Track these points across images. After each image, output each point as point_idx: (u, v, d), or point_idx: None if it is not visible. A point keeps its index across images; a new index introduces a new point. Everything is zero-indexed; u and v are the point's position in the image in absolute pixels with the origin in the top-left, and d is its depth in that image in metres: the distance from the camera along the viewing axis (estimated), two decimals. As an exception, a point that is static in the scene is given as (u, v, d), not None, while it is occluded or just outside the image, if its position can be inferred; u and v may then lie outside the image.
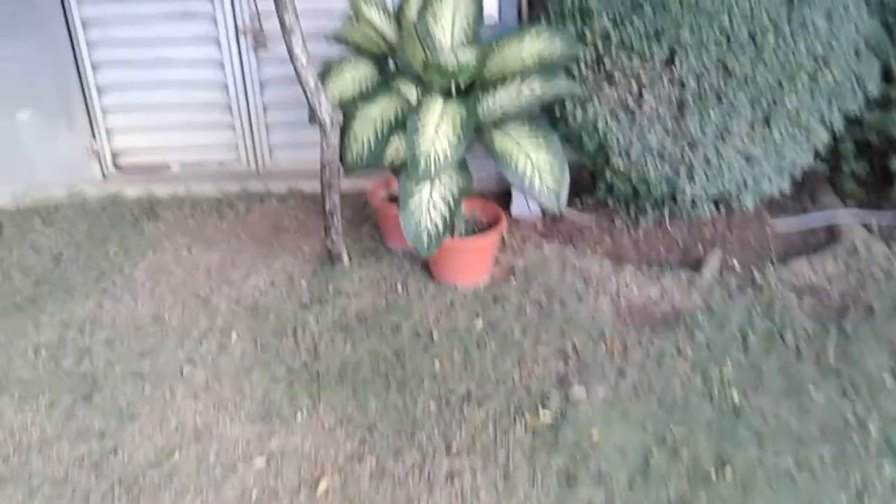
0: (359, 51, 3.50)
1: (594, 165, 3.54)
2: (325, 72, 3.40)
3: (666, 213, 3.66)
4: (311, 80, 2.99)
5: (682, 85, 3.16)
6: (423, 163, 2.83)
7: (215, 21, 4.14)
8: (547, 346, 2.98)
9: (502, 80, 3.08)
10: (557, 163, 2.95)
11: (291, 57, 2.94)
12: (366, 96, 3.21)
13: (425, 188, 2.95)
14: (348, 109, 3.17)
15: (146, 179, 4.52)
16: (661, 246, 3.63)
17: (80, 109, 4.39)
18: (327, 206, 3.40)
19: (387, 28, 3.46)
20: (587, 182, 3.94)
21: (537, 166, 2.92)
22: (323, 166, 3.27)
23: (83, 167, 4.50)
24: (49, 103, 4.26)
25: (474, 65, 2.94)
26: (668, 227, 3.71)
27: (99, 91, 4.36)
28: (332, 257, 3.59)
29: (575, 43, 3.12)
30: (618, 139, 3.27)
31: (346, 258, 3.60)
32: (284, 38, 2.90)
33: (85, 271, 3.69)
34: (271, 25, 4.09)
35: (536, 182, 2.92)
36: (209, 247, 3.90)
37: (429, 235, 2.93)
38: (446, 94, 3.08)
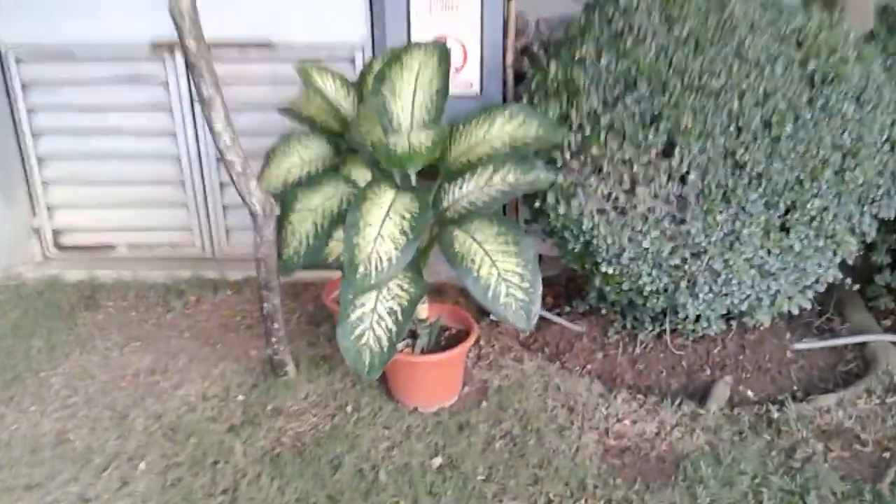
0: (313, 127, 3.04)
1: (581, 268, 3.02)
2: (272, 151, 2.93)
3: (667, 326, 3.11)
4: (237, 162, 2.51)
5: (683, 180, 2.64)
6: (361, 269, 2.32)
7: (167, 86, 3.71)
8: (514, 500, 2.42)
9: (469, 167, 2.59)
10: (529, 272, 2.43)
11: (213, 134, 2.47)
12: (309, 182, 2.73)
13: (368, 298, 2.43)
14: (288, 198, 2.68)
15: (90, 261, 4.06)
16: (661, 367, 3.08)
17: (19, 181, 3.96)
18: (265, 309, 2.89)
19: (343, 101, 3.00)
20: (581, 280, 3.42)
21: (504, 276, 2.41)
22: (258, 262, 2.77)
23: (21, 247, 4.05)
24: (-16, 175, 3.84)
25: (429, 148, 2.45)
26: (670, 343, 3.16)
27: (39, 161, 3.93)
28: (274, 367, 3.07)
29: (555, 127, 2.62)
30: (606, 241, 2.75)
31: (292, 368, 3.08)
32: (203, 112, 2.43)
33: (-1, 372, 3.21)
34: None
35: (502, 294, 2.40)
36: (145, 346, 3.40)
37: (371, 355, 2.41)
38: (404, 183, 2.60)
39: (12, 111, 3.80)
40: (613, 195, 2.71)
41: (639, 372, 3.07)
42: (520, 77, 3.74)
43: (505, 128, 2.61)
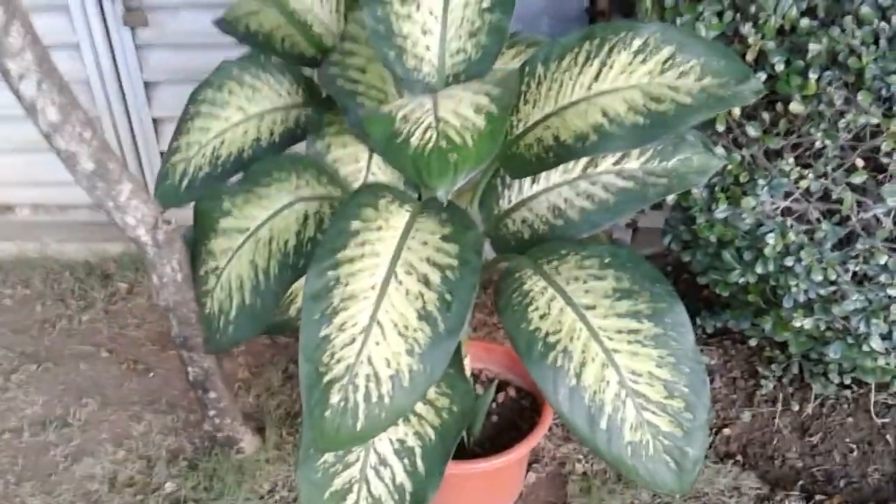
0: (269, 52, 1.72)
1: (745, 304, 1.74)
2: (192, 101, 1.63)
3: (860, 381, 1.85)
4: (80, 153, 1.22)
5: None
6: (335, 399, 1.09)
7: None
8: None
9: (559, 152, 1.28)
10: (685, 379, 1.19)
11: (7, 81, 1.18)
12: (250, 175, 1.44)
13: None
14: (206, 205, 1.41)
15: (-21, 228, 2.83)
16: (851, 442, 1.87)
17: None
18: (190, 375, 1.68)
19: (319, 4, 1.67)
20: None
21: (635, 388, 1.17)
22: (168, 312, 1.54)
23: None
24: None
25: (483, 138, 1.11)
26: (871, 404, 1.92)
27: None
28: (220, 446, 1.90)
29: (741, 70, 1.25)
30: (804, 278, 1.46)
31: (250, 440, 1.91)
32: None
33: None
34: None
35: (628, 425, 1.18)
36: (42, 374, 2.29)
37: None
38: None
39: None
40: (830, 193, 1.40)
41: (813, 450, 1.87)
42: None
43: (634, 73, 1.27)
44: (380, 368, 1.09)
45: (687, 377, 1.20)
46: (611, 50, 1.29)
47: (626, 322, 1.22)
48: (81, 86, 2.54)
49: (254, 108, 1.64)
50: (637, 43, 1.28)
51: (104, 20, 2.41)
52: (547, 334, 1.23)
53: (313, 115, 1.55)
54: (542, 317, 1.24)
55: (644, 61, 1.27)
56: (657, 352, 1.21)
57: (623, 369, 1.20)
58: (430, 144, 1.07)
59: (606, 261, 1.29)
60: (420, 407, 1.26)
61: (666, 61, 1.26)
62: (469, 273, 1.13)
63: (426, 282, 1.13)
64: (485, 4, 1.37)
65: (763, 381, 2.02)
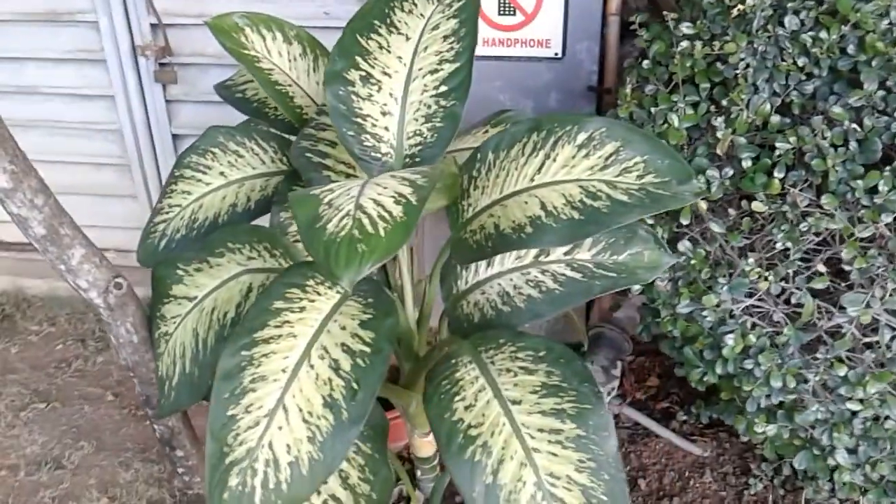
0: (260, 117, 1.78)
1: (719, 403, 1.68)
2: (179, 164, 1.69)
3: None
4: (31, 218, 1.27)
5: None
6: (234, 482, 1.09)
7: (98, 28, 2.49)
8: None
9: (497, 240, 1.27)
10: (603, 487, 1.15)
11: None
12: (212, 244, 1.47)
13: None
14: (161, 271, 1.44)
15: (14, 265, 2.95)
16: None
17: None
18: (157, 433, 1.71)
19: (303, 77, 1.71)
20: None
21: (552, 491, 1.14)
22: (129, 370, 1.57)
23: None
24: None
25: (395, 229, 1.09)
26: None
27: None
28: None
29: (683, 170, 1.21)
30: (770, 383, 1.39)
31: None
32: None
33: None
34: (183, 41, 2.43)
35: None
36: (49, 412, 2.37)
37: None
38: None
39: None
40: (794, 294, 1.34)
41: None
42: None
43: (575, 168, 1.25)
44: (280, 454, 1.09)
45: (606, 485, 1.16)
46: (556, 142, 1.28)
47: (549, 421, 1.19)
48: (115, 134, 2.66)
49: (235, 174, 1.68)
50: (582, 137, 1.27)
51: (139, 75, 2.52)
52: (469, 426, 1.20)
53: (283, 185, 1.59)
54: (467, 408, 1.22)
55: (587, 156, 1.26)
56: (577, 455, 1.17)
57: (542, 470, 1.17)
58: (344, 232, 1.07)
59: (541, 354, 1.26)
60: (340, 492, 1.25)
61: (609, 157, 1.24)
62: (379, 362, 1.13)
63: (337, 368, 1.13)
64: (440, 90, 1.38)
65: (751, 482, 1.92)
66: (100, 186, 2.78)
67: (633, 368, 2.35)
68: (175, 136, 2.62)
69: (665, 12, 1.56)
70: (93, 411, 2.36)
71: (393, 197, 1.12)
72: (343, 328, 1.17)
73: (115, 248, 2.85)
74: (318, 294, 1.22)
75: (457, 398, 1.24)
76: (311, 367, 1.14)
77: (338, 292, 1.23)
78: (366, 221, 1.08)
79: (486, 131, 1.75)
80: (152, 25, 2.41)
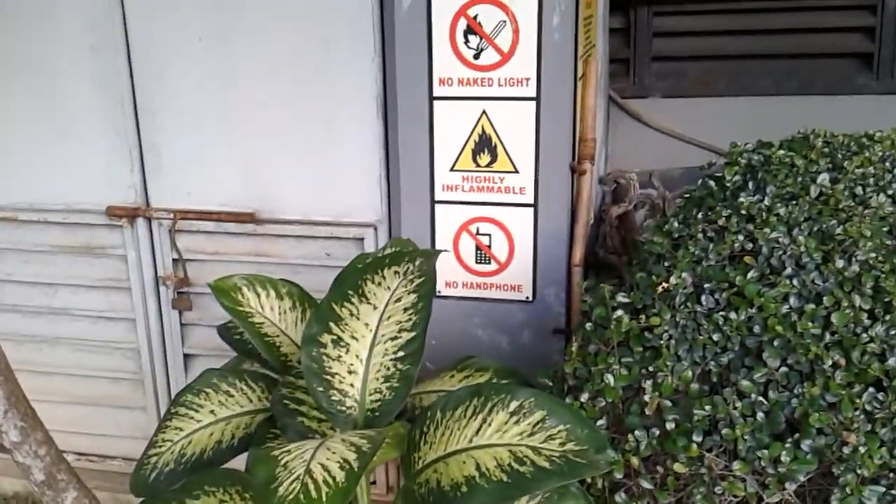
0: (253, 357, 2.00)
1: None
2: (176, 401, 1.90)
3: None
4: (21, 452, 1.47)
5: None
6: None
7: (126, 260, 2.79)
8: None
9: (437, 497, 1.43)
10: None
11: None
12: (190, 485, 1.65)
13: None
14: (145, 509, 1.62)
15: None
16: None
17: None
18: None
19: (293, 330, 1.94)
20: None
21: None
22: None
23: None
24: None
25: (342, 490, 1.28)
26: None
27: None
28: None
29: (598, 441, 1.40)
30: None
31: None
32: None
33: None
34: (199, 272, 2.71)
35: None
36: None
37: None
38: None
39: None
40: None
41: None
42: (609, 267, 2.62)
43: (507, 432, 1.44)
44: None
45: None
46: (492, 408, 1.47)
47: None
48: (133, 352, 2.91)
49: (224, 412, 1.88)
50: (514, 405, 1.46)
51: (159, 302, 2.81)
52: None
53: (262, 426, 1.78)
54: None
55: (518, 422, 1.44)
56: None
57: None
58: (291, 496, 1.25)
59: None
60: None
61: (536, 424, 1.43)
62: None
63: None
64: (398, 355, 1.60)
65: None
66: (114, 398, 3.00)
67: None
68: (186, 356, 2.86)
69: (602, 285, 1.79)
70: None
71: (339, 462, 1.30)
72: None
73: (123, 457, 3.04)
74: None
75: None
76: None
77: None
78: (311, 487, 1.26)
79: (453, 375, 1.95)
80: (174, 259, 2.71)
